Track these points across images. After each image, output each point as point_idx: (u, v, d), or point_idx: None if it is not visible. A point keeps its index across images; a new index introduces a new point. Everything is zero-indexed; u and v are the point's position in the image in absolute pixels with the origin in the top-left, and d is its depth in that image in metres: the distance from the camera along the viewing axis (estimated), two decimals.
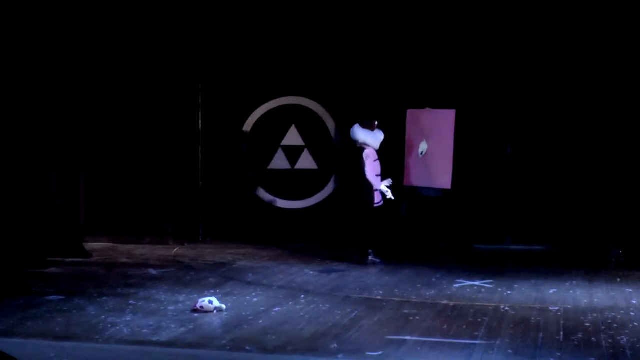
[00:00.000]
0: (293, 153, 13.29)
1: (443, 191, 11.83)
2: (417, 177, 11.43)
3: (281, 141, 13.30)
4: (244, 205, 13.35)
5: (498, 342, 6.96)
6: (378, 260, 10.98)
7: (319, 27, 12.96)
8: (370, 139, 11.11)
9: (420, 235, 12.00)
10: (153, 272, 10.41)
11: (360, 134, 11.12)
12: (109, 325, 7.51)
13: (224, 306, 8.20)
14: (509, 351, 6.71)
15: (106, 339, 7.07)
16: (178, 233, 12.99)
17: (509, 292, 9.17)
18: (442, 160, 11.21)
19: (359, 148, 11.09)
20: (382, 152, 11.33)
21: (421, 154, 11.28)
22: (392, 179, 11.14)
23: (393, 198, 11.02)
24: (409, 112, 11.75)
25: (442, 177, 11.23)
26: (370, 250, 11.02)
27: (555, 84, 12.35)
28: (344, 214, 12.45)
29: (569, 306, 8.41)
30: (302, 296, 8.86)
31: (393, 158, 11.69)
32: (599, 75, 12.17)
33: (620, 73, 12.07)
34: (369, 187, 10.96)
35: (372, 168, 10.98)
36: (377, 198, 11.02)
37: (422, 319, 7.81)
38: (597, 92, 12.19)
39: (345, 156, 12.70)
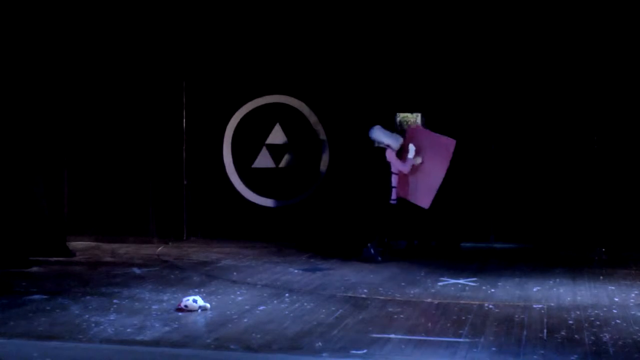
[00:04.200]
0: (277, 151, 13.29)
1: None
2: (403, 190, 11.38)
3: (265, 140, 13.30)
4: (228, 204, 13.34)
5: (482, 340, 6.98)
6: (379, 258, 11.03)
7: (303, 26, 12.97)
8: (392, 140, 11.20)
9: (408, 233, 12.02)
10: (137, 271, 10.38)
11: (383, 135, 11.20)
12: (93, 325, 7.47)
13: (208, 305, 8.18)
14: (493, 349, 6.73)
15: (90, 339, 7.04)
16: (162, 232, 12.97)
17: (492, 290, 9.20)
18: (429, 183, 11.18)
19: (380, 148, 11.21)
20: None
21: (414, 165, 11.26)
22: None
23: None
24: (409, 128, 11.73)
25: (424, 196, 11.22)
26: (369, 245, 11.09)
27: (539, 84, 12.41)
28: (340, 210, 12.64)
29: (552, 304, 8.45)
30: (287, 295, 8.86)
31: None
32: (582, 75, 12.24)
33: (604, 73, 12.14)
34: (387, 185, 11.12)
35: (396, 165, 11.16)
36: (393, 195, 11.14)
37: (406, 317, 7.82)
38: (581, 92, 12.26)
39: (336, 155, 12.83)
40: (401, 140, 11.29)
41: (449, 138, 11.24)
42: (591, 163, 12.23)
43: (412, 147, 11.17)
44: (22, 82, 11.51)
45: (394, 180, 11.20)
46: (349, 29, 12.79)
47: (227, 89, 13.32)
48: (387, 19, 12.65)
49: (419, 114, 11.68)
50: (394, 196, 11.21)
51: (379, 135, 11.24)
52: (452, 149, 11.16)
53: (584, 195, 12.26)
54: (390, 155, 11.17)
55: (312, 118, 13.13)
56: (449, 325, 7.51)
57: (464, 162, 12.29)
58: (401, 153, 11.27)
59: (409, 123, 11.53)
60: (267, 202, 13.31)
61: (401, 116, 11.76)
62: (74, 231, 12.68)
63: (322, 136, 13.09)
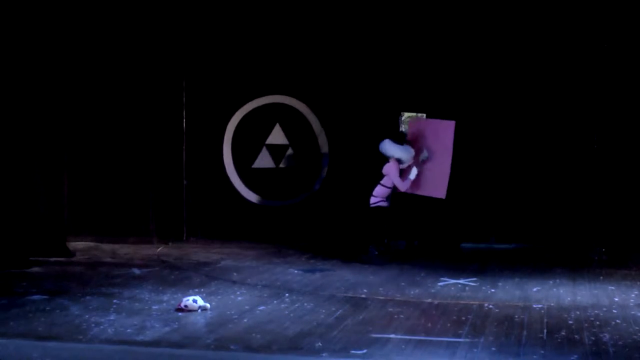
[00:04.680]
0: (277, 152, 13.29)
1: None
2: (414, 186, 11.33)
3: (265, 140, 13.30)
4: (228, 204, 13.33)
5: (482, 340, 6.98)
6: (379, 260, 11.01)
7: (303, 25, 12.97)
8: (403, 153, 11.14)
9: (408, 234, 12.02)
10: (137, 271, 10.38)
11: (393, 148, 11.12)
12: (93, 325, 7.48)
13: (208, 305, 8.19)
14: (493, 349, 6.73)
15: (90, 339, 7.04)
16: (162, 232, 12.97)
17: (492, 290, 9.20)
18: (439, 171, 11.11)
19: (387, 159, 11.20)
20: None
21: (421, 161, 11.21)
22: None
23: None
24: (410, 122, 11.70)
25: (437, 187, 11.10)
26: (371, 248, 11.08)
27: (539, 84, 12.41)
28: (338, 211, 12.61)
29: (552, 304, 8.45)
30: (287, 295, 8.86)
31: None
32: (582, 75, 12.25)
33: (604, 73, 12.14)
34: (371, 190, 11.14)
35: (393, 180, 11.10)
36: (374, 199, 11.10)
37: (406, 317, 7.82)
38: (581, 92, 12.26)
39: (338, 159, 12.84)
40: (412, 151, 11.18)
41: (447, 121, 11.18)
42: (591, 163, 12.23)
43: (414, 170, 11.07)
44: (21, 82, 11.51)
45: (379, 190, 11.10)
46: (349, 28, 12.79)
47: (227, 89, 13.31)
48: (390, 17, 12.64)
49: (424, 115, 11.66)
50: (372, 201, 11.10)
51: (390, 149, 11.11)
52: (452, 130, 11.05)
53: (584, 195, 12.26)
54: (391, 169, 11.08)
55: (312, 118, 13.13)
56: (449, 325, 7.51)
57: (464, 162, 12.30)
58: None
59: (410, 118, 11.52)
60: (268, 202, 13.30)
61: (405, 116, 11.76)
62: (74, 231, 12.68)
63: (323, 136, 13.09)
